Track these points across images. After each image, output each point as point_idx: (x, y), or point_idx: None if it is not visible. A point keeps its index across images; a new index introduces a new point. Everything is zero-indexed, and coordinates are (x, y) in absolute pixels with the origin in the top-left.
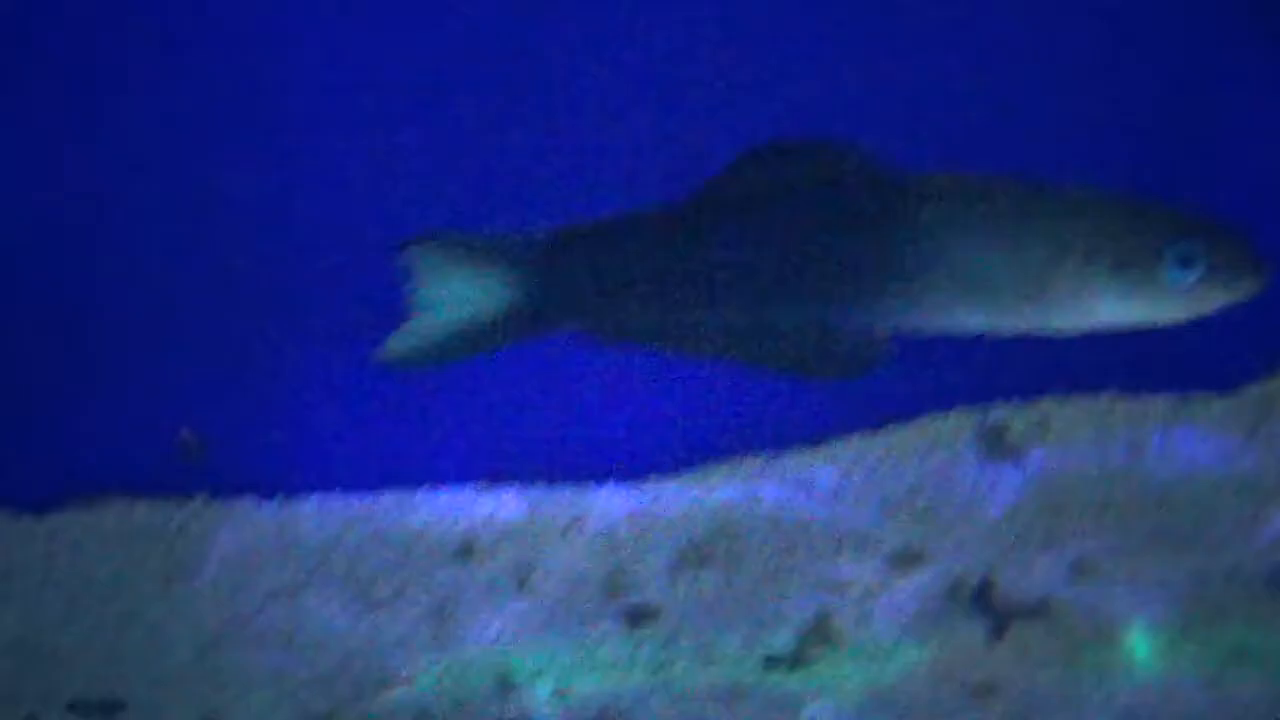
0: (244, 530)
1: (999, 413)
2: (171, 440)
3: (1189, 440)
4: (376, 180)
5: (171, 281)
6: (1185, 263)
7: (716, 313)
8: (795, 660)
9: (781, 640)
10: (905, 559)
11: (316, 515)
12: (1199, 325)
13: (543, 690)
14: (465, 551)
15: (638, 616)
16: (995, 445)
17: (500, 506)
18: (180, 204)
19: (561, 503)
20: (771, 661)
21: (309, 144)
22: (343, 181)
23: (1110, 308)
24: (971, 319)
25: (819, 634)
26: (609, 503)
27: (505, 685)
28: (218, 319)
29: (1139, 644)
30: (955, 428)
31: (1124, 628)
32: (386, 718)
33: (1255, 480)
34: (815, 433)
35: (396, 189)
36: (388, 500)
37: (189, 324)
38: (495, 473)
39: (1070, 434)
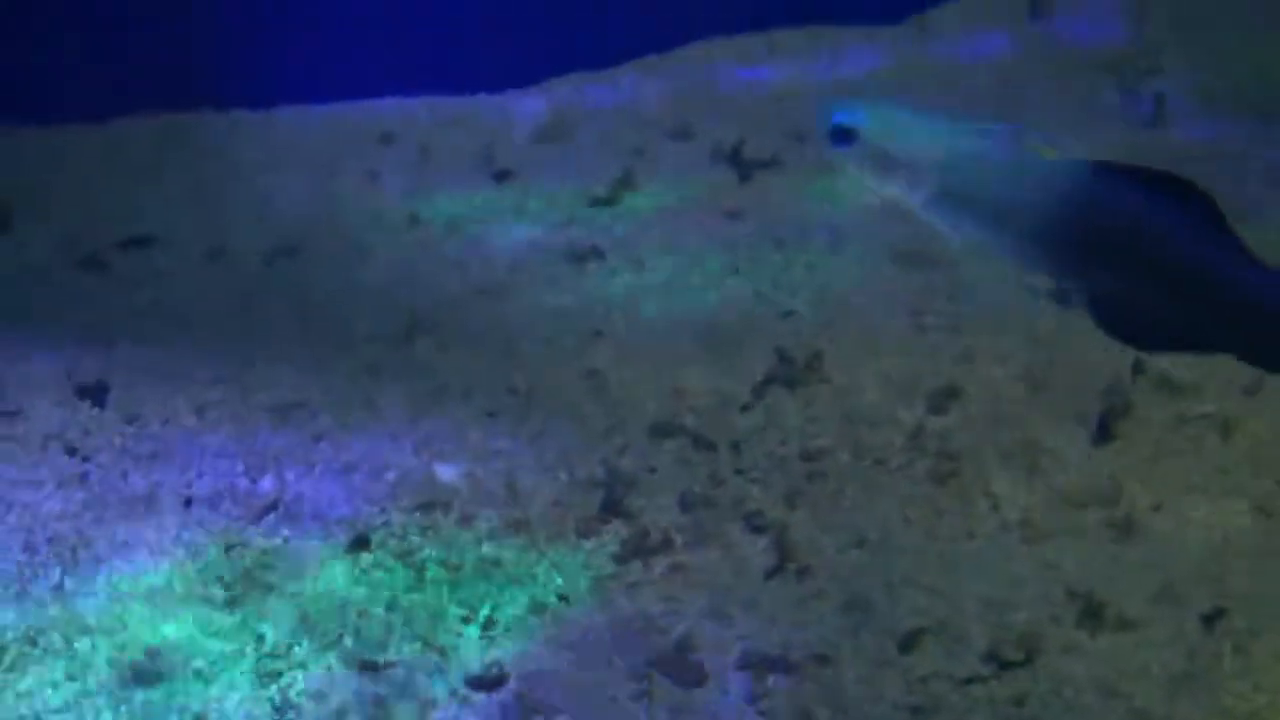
0: (237, 127)
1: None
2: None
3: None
4: None
5: None
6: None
7: None
8: (609, 200)
9: (600, 189)
10: (681, 133)
11: (285, 118)
12: None
13: (437, 223)
14: (386, 138)
15: (502, 176)
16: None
17: (411, 109)
18: None
19: (451, 106)
20: (594, 202)
21: None
22: None
23: None
24: None
25: (624, 183)
26: (485, 103)
27: (414, 220)
28: None
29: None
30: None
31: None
32: (335, 244)
33: None
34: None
35: None
36: (333, 107)
37: None
38: (407, 87)
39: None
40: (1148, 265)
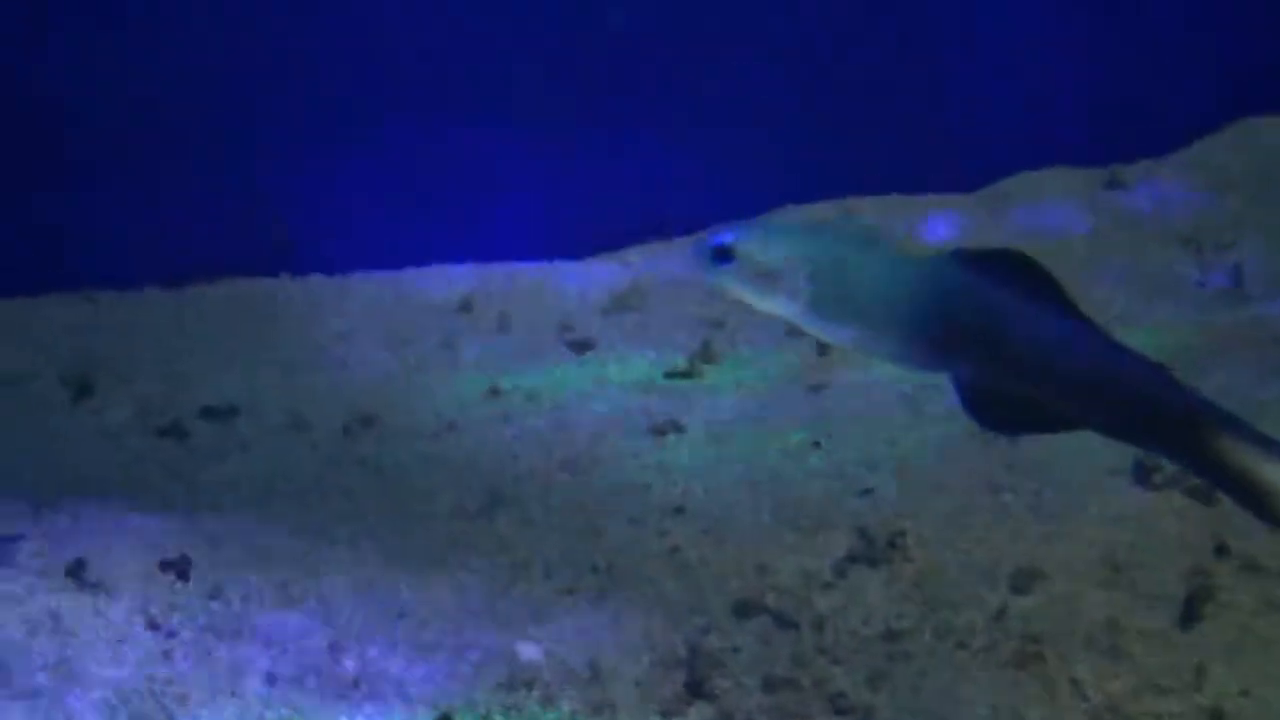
0: (313, 294)
1: None
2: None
3: None
4: None
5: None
6: None
7: None
8: (688, 373)
9: (678, 361)
10: None
11: (362, 284)
12: None
13: (517, 395)
14: (465, 307)
15: (581, 346)
16: None
17: (489, 275)
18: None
19: (529, 273)
20: (672, 373)
21: None
22: None
23: None
24: None
25: (703, 355)
26: (563, 271)
27: (494, 392)
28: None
29: None
30: None
31: None
32: (415, 414)
33: None
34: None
35: None
36: (409, 273)
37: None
38: (484, 253)
39: None
40: (1003, 349)
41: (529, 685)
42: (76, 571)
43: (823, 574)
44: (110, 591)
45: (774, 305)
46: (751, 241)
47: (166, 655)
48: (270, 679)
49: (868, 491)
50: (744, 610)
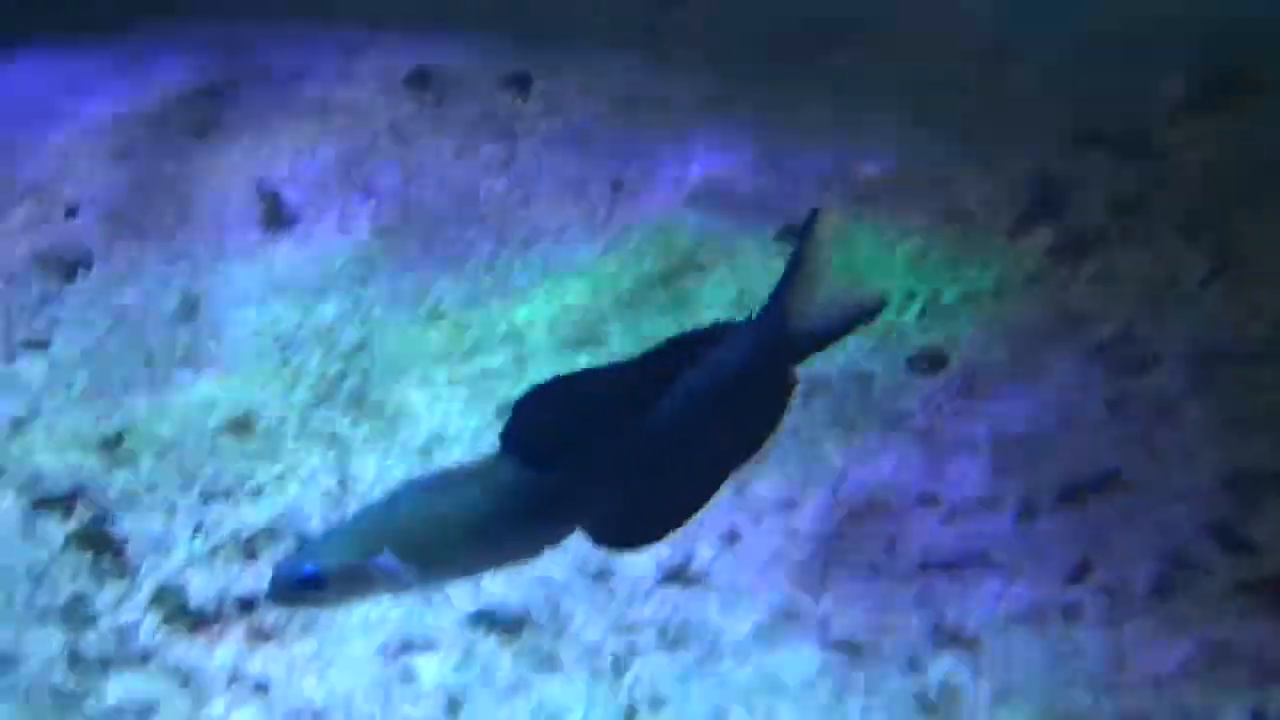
0: None
1: None
2: None
3: None
4: None
5: None
6: None
7: None
8: None
9: None
10: None
11: None
12: None
13: None
14: None
15: None
16: None
17: None
18: None
19: None
20: None
21: None
22: None
23: None
24: None
25: None
26: None
27: None
28: None
29: None
30: None
31: None
32: None
33: None
34: None
35: None
36: None
37: None
38: None
39: None
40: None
41: (874, 200)
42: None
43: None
44: (457, 103)
45: (378, 597)
46: (338, 553)
47: (508, 164)
48: (615, 185)
49: None
50: (1087, 139)
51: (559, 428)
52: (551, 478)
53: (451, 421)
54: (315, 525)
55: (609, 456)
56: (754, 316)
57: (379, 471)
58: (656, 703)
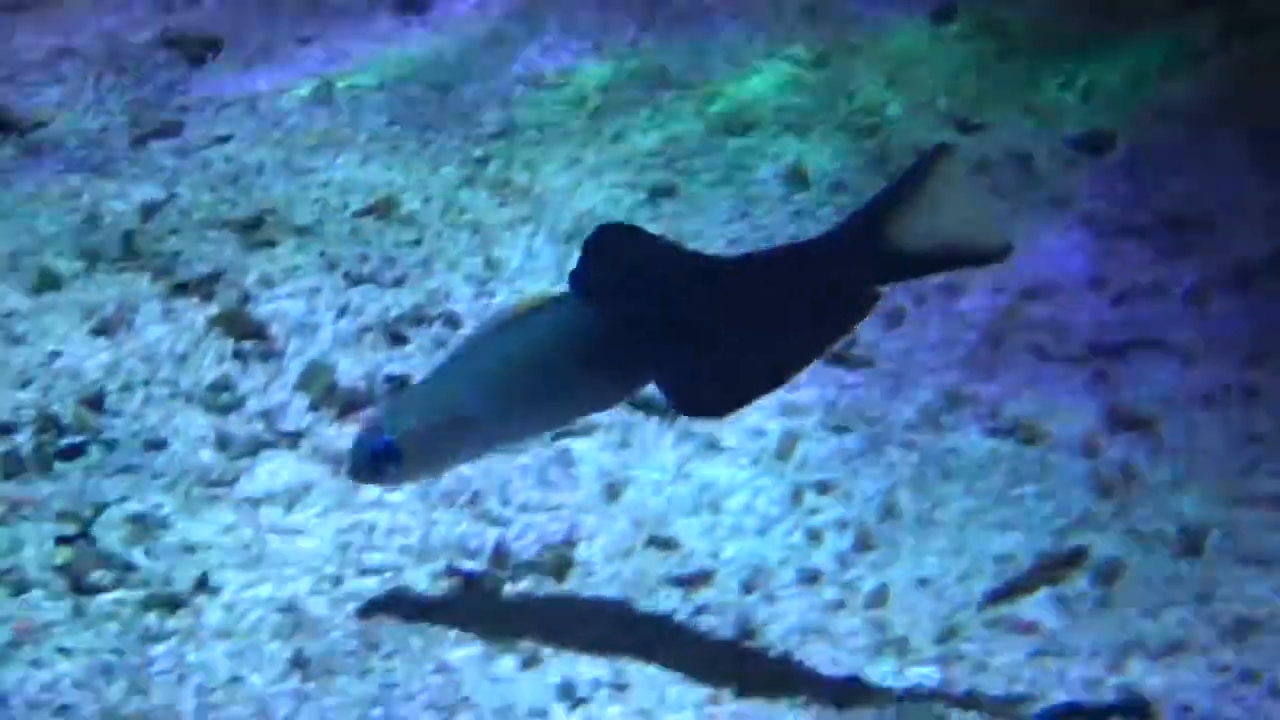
0: None
1: None
2: None
3: None
4: None
5: None
6: None
7: None
8: None
9: None
10: None
11: None
12: None
13: None
14: None
15: None
16: None
17: None
18: None
19: None
20: None
21: None
22: None
23: None
24: None
25: None
26: None
27: None
28: None
29: None
30: None
31: None
32: None
33: None
34: None
35: None
36: None
37: None
38: None
39: None
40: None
41: None
42: None
43: None
44: None
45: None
46: (410, 426)
47: None
48: None
49: None
50: None
51: (629, 272)
52: (621, 324)
53: (598, 205)
54: (462, 309)
55: (679, 311)
56: (841, 226)
57: (525, 255)
58: (823, 487)
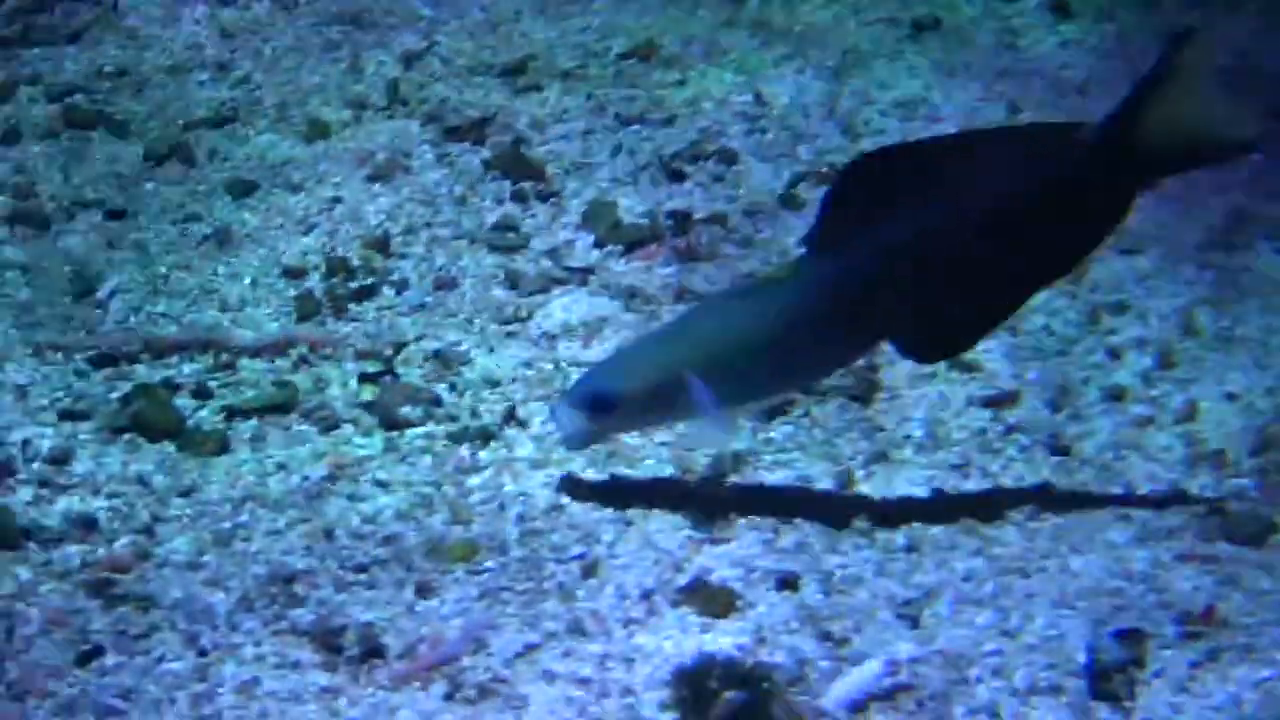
0: None
1: None
2: None
3: None
4: None
5: None
6: None
7: None
8: None
9: None
10: None
11: None
12: None
13: None
14: None
15: None
16: None
17: None
18: None
19: None
20: None
21: None
22: None
23: None
24: None
25: None
26: None
27: None
28: None
29: None
30: None
31: None
32: None
33: None
34: None
35: None
36: None
37: None
38: None
39: None
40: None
41: None
42: None
43: None
44: None
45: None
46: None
47: None
48: None
49: None
50: None
51: (865, 221)
52: (853, 287)
53: (862, 41)
54: (736, 144)
55: (912, 259)
56: (1097, 123)
57: (795, 90)
58: (1119, 308)
